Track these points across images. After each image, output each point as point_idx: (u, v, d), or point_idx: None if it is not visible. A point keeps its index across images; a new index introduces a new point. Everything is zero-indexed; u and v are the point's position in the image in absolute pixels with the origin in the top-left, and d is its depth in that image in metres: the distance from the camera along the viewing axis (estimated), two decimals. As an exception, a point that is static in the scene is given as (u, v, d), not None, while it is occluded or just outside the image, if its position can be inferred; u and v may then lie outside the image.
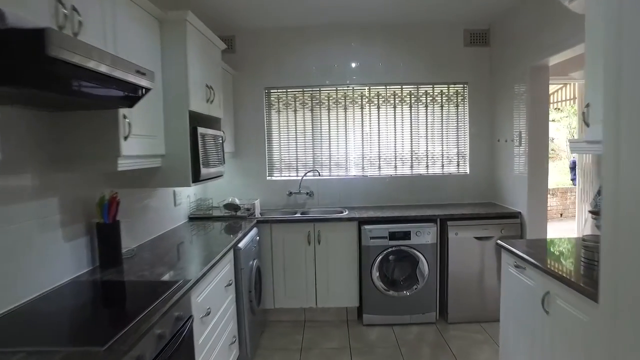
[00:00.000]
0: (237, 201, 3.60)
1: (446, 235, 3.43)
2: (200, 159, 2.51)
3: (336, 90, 4.06)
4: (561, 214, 8.64)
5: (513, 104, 3.55)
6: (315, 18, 3.74)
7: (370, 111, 4.08)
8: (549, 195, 3.55)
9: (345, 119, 4.08)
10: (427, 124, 4.07)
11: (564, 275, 1.82)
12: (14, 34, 1.08)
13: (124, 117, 1.82)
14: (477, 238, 3.43)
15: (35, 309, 1.56)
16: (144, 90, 1.72)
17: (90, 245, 2.06)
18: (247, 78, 3.99)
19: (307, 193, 4.04)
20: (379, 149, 4.10)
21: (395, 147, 4.09)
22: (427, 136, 4.08)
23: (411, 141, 4.09)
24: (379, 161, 4.11)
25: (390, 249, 3.42)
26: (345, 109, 4.08)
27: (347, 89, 4.06)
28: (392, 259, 3.47)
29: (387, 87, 4.04)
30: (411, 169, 4.11)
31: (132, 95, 1.70)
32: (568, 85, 5.57)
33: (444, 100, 4.05)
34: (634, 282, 1.20)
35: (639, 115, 1.23)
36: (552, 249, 2.37)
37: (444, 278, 3.49)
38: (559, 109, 9.28)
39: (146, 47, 2.14)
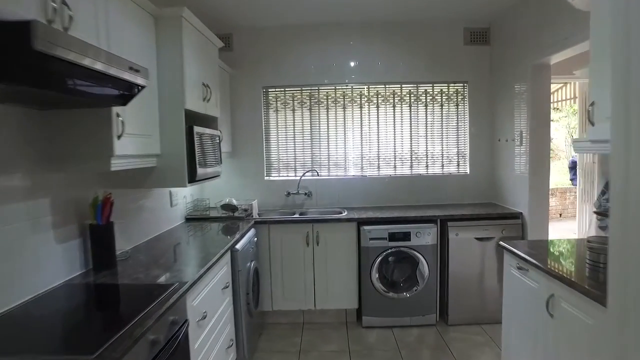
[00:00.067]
0: (234, 202, 3.54)
1: (446, 236, 3.39)
2: (197, 159, 2.46)
3: (335, 89, 4.01)
4: (560, 214, 8.61)
5: (514, 103, 3.51)
6: (314, 16, 3.70)
7: (369, 110, 4.03)
8: (548, 196, 3.50)
9: (344, 118, 4.04)
10: (426, 124, 4.03)
11: (570, 277, 1.77)
12: (-2, 27, 1.03)
13: (118, 115, 1.77)
14: (477, 239, 3.39)
15: (25, 313, 1.51)
16: (138, 87, 1.67)
17: (83, 247, 2.01)
18: (245, 77, 3.94)
19: (306, 193, 3.99)
20: (378, 149, 4.05)
21: (394, 146, 4.05)
22: (426, 136, 4.04)
23: (411, 141, 4.04)
24: (378, 161, 4.07)
25: (389, 250, 3.38)
26: (344, 108, 4.03)
27: (346, 88, 4.02)
28: (391, 260, 3.43)
29: (387, 86, 4.00)
30: (411, 169, 4.07)
31: (125, 93, 1.65)
32: (568, 85, 5.55)
33: (443, 100, 4.01)
34: (645, 286, 1.15)
35: (650, 112, 1.18)
36: (555, 251, 2.33)
37: (444, 279, 3.45)
38: (557, 109, 9.26)
39: (141, 44, 2.09)
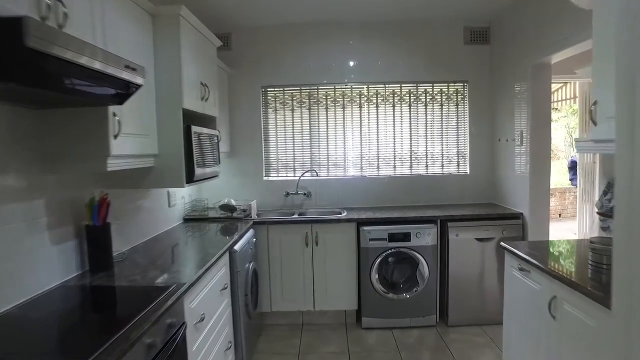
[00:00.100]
0: (233, 202, 3.52)
1: (446, 236, 3.37)
2: (195, 159, 2.43)
3: (334, 88, 3.99)
4: (560, 214, 8.60)
5: (514, 103, 3.49)
6: (313, 15, 3.67)
7: (368, 110, 4.01)
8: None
9: (344, 118, 4.01)
10: (426, 123, 4.01)
11: (573, 279, 1.75)
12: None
13: (114, 115, 1.74)
14: (477, 239, 3.37)
15: (20, 315, 1.48)
16: (134, 86, 1.64)
17: (79, 248, 1.98)
18: (244, 76, 3.91)
19: (305, 194, 3.97)
20: (378, 149, 4.03)
21: (394, 146, 4.03)
22: (426, 135, 4.02)
23: (410, 141, 4.02)
24: (378, 161, 4.04)
25: (389, 251, 3.35)
26: (344, 107, 4.01)
27: (345, 88, 3.99)
28: (391, 261, 3.40)
29: (386, 85, 3.98)
30: (410, 169, 4.05)
31: (121, 91, 1.62)
32: (568, 85, 5.53)
33: (443, 99, 3.99)
34: (652, 288, 1.12)
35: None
36: (556, 251, 2.31)
37: (445, 280, 3.43)
38: (556, 109, 9.25)
39: (138, 43, 2.07)
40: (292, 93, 3.99)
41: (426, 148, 4.03)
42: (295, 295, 3.45)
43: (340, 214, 3.63)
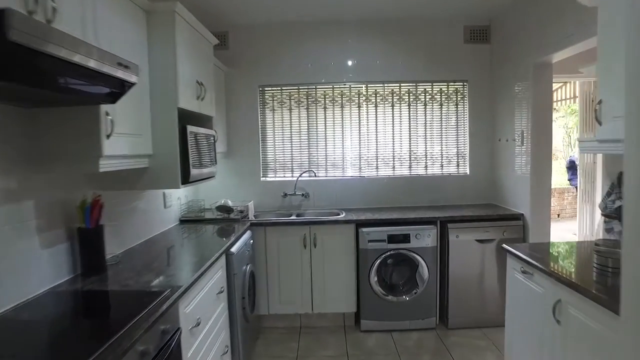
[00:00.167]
0: (229, 203, 3.47)
1: (446, 237, 3.32)
2: (190, 160, 2.38)
3: (332, 88, 3.94)
4: (558, 214, 8.58)
5: (514, 103, 3.45)
6: (311, 14, 3.63)
7: (367, 110, 3.96)
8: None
9: (342, 117, 3.96)
10: (426, 123, 3.96)
11: (578, 283, 1.70)
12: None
13: (107, 114, 1.69)
14: (478, 241, 3.32)
15: (5, 323, 1.43)
16: (127, 85, 1.59)
17: (71, 251, 1.92)
18: (241, 75, 3.86)
19: (303, 194, 3.92)
20: (377, 149, 3.98)
21: (393, 146, 3.98)
22: (426, 135, 3.97)
23: (410, 141, 3.98)
24: (377, 161, 4.00)
25: (388, 253, 3.30)
26: (342, 107, 3.96)
27: (343, 87, 3.94)
28: (390, 263, 3.36)
29: (385, 85, 3.93)
30: (410, 170, 4.00)
31: (114, 90, 1.56)
32: (567, 85, 5.50)
33: (443, 99, 3.94)
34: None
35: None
36: (559, 254, 2.27)
37: (445, 282, 3.39)
38: (555, 109, 9.23)
39: (131, 40, 2.01)
40: (290, 92, 3.94)
41: (425, 148, 3.98)
42: (293, 298, 3.40)
43: (339, 215, 3.58)
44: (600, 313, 1.54)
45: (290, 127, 3.97)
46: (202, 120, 2.85)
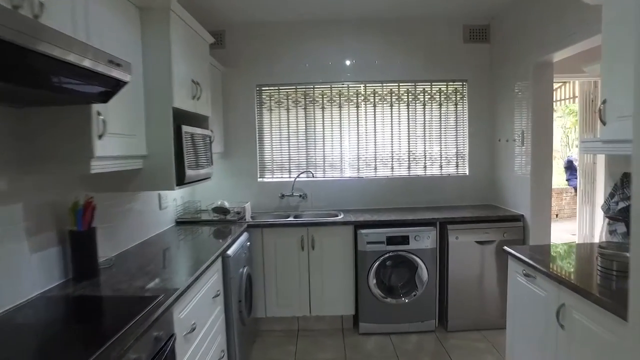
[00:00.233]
0: (226, 204, 3.41)
1: (446, 239, 3.28)
2: (185, 160, 2.33)
3: (330, 87, 3.89)
4: (557, 215, 8.56)
5: (514, 103, 3.42)
6: (309, 12, 3.58)
7: (366, 110, 3.92)
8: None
9: (340, 117, 3.92)
10: (425, 123, 3.92)
11: (583, 287, 1.66)
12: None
13: (98, 114, 1.64)
14: (478, 242, 3.29)
15: (-8, 331, 1.37)
16: (119, 83, 1.53)
17: (62, 255, 1.87)
18: (238, 75, 3.81)
19: (301, 195, 3.87)
20: (375, 149, 3.94)
21: (392, 147, 3.94)
22: (424, 136, 3.93)
23: (408, 141, 3.94)
24: (375, 162, 3.95)
25: (387, 255, 3.26)
26: (340, 107, 3.91)
27: (341, 87, 3.90)
28: (389, 265, 3.32)
29: (384, 84, 3.89)
30: (408, 170, 3.96)
31: (106, 89, 1.51)
32: (567, 85, 5.48)
33: (442, 99, 3.90)
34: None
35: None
36: (561, 256, 2.23)
37: (444, 284, 3.34)
38: (553, 109, 9.21)
39: (124, 37, 1.96)
40: (287, 92, 3.90)
41: (424, 148, 3.94)
42: (290, 301, 3.35)
43: (337, 216, 3.54)
44: (607, 318, 1.50)
45: (288, 127, 3.92)
46: (198, 120, 2.79)
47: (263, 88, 3.88)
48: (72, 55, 1.19)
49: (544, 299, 1.95)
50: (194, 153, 2.49)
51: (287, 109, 3.91)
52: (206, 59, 2.94)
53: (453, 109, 3.91)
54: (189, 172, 2.39)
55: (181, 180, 2.31)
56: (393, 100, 3.91)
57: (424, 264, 3.27)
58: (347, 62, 3.84)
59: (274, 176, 3.96)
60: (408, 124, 3.92)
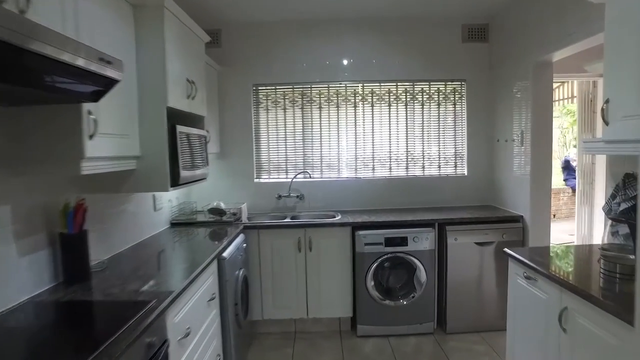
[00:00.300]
0: (222, 205, 3.37)
1: (445, 240, 3.25)
2: (180, 161, 2.28)
3: (328, 87, 3.85)
4: (554, 215, 8.55)
5: (514, 102, 3.39)
6: (306, 11, 3.53)
7: (363, 109, 3.88)
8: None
9: (338, 117, 3.88)
10: (423, 123, 3.89)
11: (587, 290, 1.62)
12: None
13: (89, 113, 1.59)
14: (477, 243, 3.25)
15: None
16: (111, 82, 1.49)
17: (52, 258, 1.82)
18: (234, 74, 3.76)
19: (297, 196, 3.83)
20: (373, 150, 3.90)
21: (390, 147, 3.90)
22: (423, 136, 3.90)
23: (407, 141, 3.90)
24: (373, 162, 3.92)
25: (386, 256, 3.22)
26: (338, 107, 3.87)
27: (339, 86, 3.86)
28: (387, 266, 3.28)
29: (382, 84, 3.85)
30: (407, 171, 3.93)
31: (97, 88, 1.47)
32: (565, 85, 5.46)
33: (440, 99, 3.87)
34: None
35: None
36: (562, 258, 2.19)
37: (443, 286, 3.31)
38: (550, 109, 9.18)
39: (117, 35, 1.91)
40: (284, 92, 3.85)
41: (423, 149, 3.91)
42: (287, 303, 3.31)
43: (335, 217, 3.50)
44: (611, 322, 1.47)
45: (285, 127, 3.88)
46: (194, 120, 2.75)
47: (260, 87, 3.84)
48: (67, 54, 1.15)
49: (545, 302, 1.92)
50: (189, 153, 2.44)
51: (284, 109, 3.86)
52: (201, 57, 2.89)
53: (452, 108, 3.88)
54: (184, 173, 2.34)
55: (176, 181, 2.26)
56: (391, 100, 3.87)
57: (423, 266, 3.23)
58: (345, 62, 3.80)
59: (271, 177, 3.91)
60: (406, 124, 3.89)
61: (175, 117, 2.36)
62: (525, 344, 2.16)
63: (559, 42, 2.77)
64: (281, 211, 3.81)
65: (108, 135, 1.75)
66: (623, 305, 1.44)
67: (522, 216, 3.29)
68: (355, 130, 3.89)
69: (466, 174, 3.90)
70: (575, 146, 7.47)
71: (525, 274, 2.09)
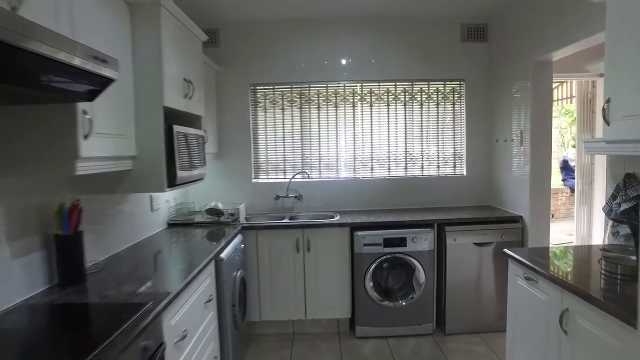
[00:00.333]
0: (220, 206, 3.34)
1: (444, 241, 3.23)
2: (177, 161, 2.25)
3: (326, 87, 3.83)
4: (552, 215, 8.55)
5: (513, 102, 3.37)
6: (305, 10, 3.51)
7: (362, 109, 3.86)
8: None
9: (336, 117, 3.85)
10: (422, 123, 3.87)
11: (588, 291, 1.61)
12: None
13: (84, 112, 1.56)
14: (476, 244, 3.23)
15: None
16: (106, 81, 1.46)
17: (47, 260, 1.79)
18: (232, 74, 3.73)
19: (296, 196, 3.80)
20: (372, 150, 3.88)
21: (388, 147, 3.88)
22: (422, 136, 3.88)
23: (405, 141, 3.88)
24: (372, 162, 3.90)
25: (384, 257, 3.20)
26: (336, 106, 3.85)
27: (337, 86, 3.83)
28: (386, 267, 3.26)
29: (380, 84, 3.83)
30: (405, 171, 3.91)
31: (91, 87, 1.44)
32: (564, 85, 5.45)
33: (439, 98, 3.85)
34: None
35: None
36: (562, 259, 2.18)
37: (442, 287, 3.29)
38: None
39: (113, 34, 1.88)
40: (282, 91, 3.83)
41: (422, 149, 3.89)
42: (285, 304, 3.28)
43: (333, 217, 3.48)
44: (613, 324, 1.45)
45: (283, 127, 3.85)
46: (191, 120, 2.72)
47: (258, 87, 3.81)
48: (63, 53, 1.13)
49: (545, 303, 1.90)
50: (186, 153, 2.42)
51: (282, 109, 3.84)
52: (199, 56, 2.87)
53: (450, 108, 3.86)
54: (181, 173, 2.32)
55: (172, 182, 2.24)
56: (390, 99, 3.85)
57: (422, 266, 3.21)
58: (344, 61, 3.78)
59: (269, 177, 3.89)
60: (405, 123, 3.87)
61: (173, 117, 2.34)
62: (525, 345, 2.14)
63: (558, 41, 2.76)
64: (279, 212, 3.78)
65: (103, 135, 1.72)
66: (625, 307, 1.43)
67: (521, 216, 3.27)
68: (354, 130, 3.87)
69: (465, 174, 3.88)
70: (574, 146, 7.47)
71: (525, 275, 2.07)
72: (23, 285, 1.65)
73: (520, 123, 3.28)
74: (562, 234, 6.86)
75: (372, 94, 3.85)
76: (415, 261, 3.21)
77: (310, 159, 3.88)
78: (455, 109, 3.86)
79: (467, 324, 3.27)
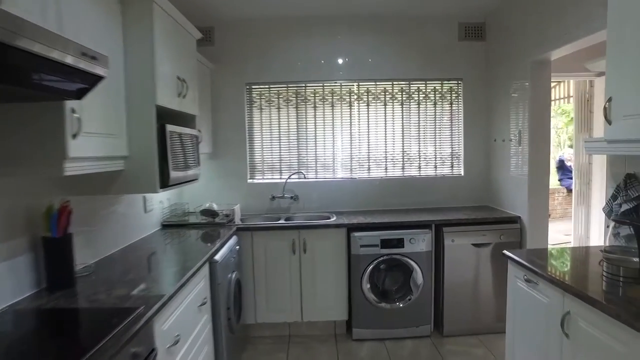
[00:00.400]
0: (215, 206, 3.29)
1: (442, 242, 3.19)
2: (170, 161, 2.20)
3: (323, 86, 3.79)
4: (549, 215, 8.56)
5: (511, 102, 3.35)
6: (301, 9, 3.47)
7: (359, 109, 3.82)
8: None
9: (333, 117, 3.81)
10: (419, 123, 3.84)
11: (590, 294, 1.57)
12: None
13: (72, 111, 1.51)
14: (474, 245, 3.20)
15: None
16: (96, 79, 1.41)
17: (34, 264, 1.74)
18: (227, 72, 3.68)
19: (292, 197, 3.76)
20: (369, 150, 3.84)
21: (385, 147, 3.84)
22: (419, 136, 3.85)
23: (402, 141, 3.85)
24: (369, 162, 3.86)
25: (381, 258, 3.16)
26: (333, 106, 3.81)
27: (334, 85, 3.79)
28: (383, 268, 3.22)
29: (377, 83, 3.79)
30: (402, 171, 3.87)
31: (82, 85, 1.39)
32: (562, 84, 5.43)
33: (437, 98, 3.82)
34: None
35: None
36: (562, 260, 2.15)
37: (440, 288, 3.26)
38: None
39: (103, 31, 1.83)
40: (278, 90, 3.78)
41: (419, 148, 3.86)
42: (281, 306, 3.24)
43: (329, 218, 3.43)
44: (616, 328, 1.42)
45: (279, 126, 3.81)
46: (185, 119, 2.67)
47: (253, 86, 3.77)
48: (56, 52, 1.09)
49: (546, 306, 1.87)
50: (179, 153, 2.37)
51: (278, 108, 3.80)
52: (193, 55, 2.82)
53: (448, 108, 3.83)
54: (174, 174, 2.27)
55: (165, 183, 2.19)
56: (387, 99, 3.82)
57: (419, 268, 3.18)
58: (340, 60, 3.74)
59: (265, 177, 3.84)
60: (402, 123, 3.83)
61: (166, 117, 2.29)
62: (525, 348, 2.11)
63: (557, 40, 2.73)
64: (275, 212, 3.74)
65: (93, 135, 1.68)
66: (628, 310, 1.40)
67: (519, 217, 3.25)
68: (351, 130, 3.83)
69: (463, 174, 3.86)
70: (570, 146, 7.48)
71: (525, 276, 2.04)
72: (9, 289, 1.60)
73: (518, 123, 3.26)
74: (559, 234, 6.85)
75: (369, 94, 3.81)
76: (412, 262, 3.17)
77: (307, 159, 3.84)
78: (453, 108, 3.83)
79: (465, 326, 3.24)
